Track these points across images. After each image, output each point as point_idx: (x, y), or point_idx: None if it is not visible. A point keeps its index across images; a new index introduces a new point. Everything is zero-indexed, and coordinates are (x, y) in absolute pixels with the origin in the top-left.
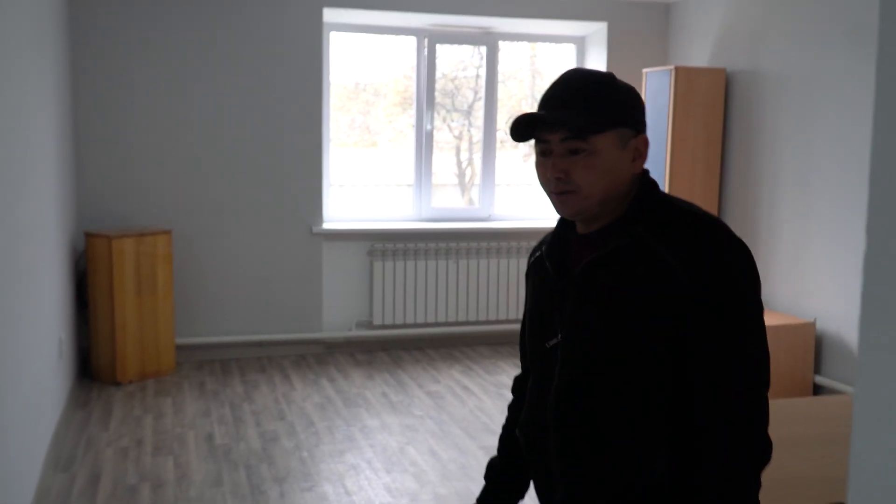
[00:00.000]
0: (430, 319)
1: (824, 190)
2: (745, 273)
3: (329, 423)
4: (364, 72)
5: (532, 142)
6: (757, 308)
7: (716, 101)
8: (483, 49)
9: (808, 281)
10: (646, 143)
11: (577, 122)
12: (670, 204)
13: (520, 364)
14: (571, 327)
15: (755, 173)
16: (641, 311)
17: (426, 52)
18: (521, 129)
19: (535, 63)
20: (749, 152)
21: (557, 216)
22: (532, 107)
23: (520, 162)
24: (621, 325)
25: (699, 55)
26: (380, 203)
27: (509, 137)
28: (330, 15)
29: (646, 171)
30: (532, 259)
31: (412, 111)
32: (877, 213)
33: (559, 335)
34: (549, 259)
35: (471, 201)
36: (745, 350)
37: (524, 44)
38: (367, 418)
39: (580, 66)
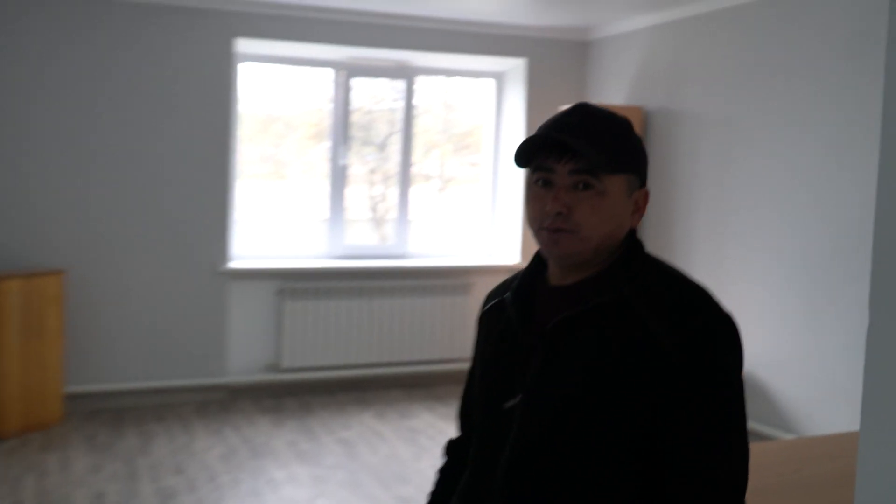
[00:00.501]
0: (342, 361)
1: (741, 233)
2: (733, 351)
3: (233, 475)
4: (276, 103)
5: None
6: (740, 392)
7: None
8: (401, 83)
9: None
10: (646, 197)
11: (598, 156)
12: (658, 266)
13: (458, 424)
14: (535, 388)
15: (671, 215)
16: (618, 378)
17: (342, 85)
18: (529, 151)
19: (447, 97)
20: (665, 193)
21: (520, 262)
22: (450, 141)
23: (433, 197)
24: (594, 391)
25: (616, 93)
26: (291, 239)
27: (424, 171)
28: (242, 45)
29: (634, 230)
30: (488, 306)
31: (326, 144)
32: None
33: (519, 396)
34: (515, 308)
35: (384, 238)
36: (727, 449)
37: (442, 77)
38: (275, 469)
39: (500, 101)
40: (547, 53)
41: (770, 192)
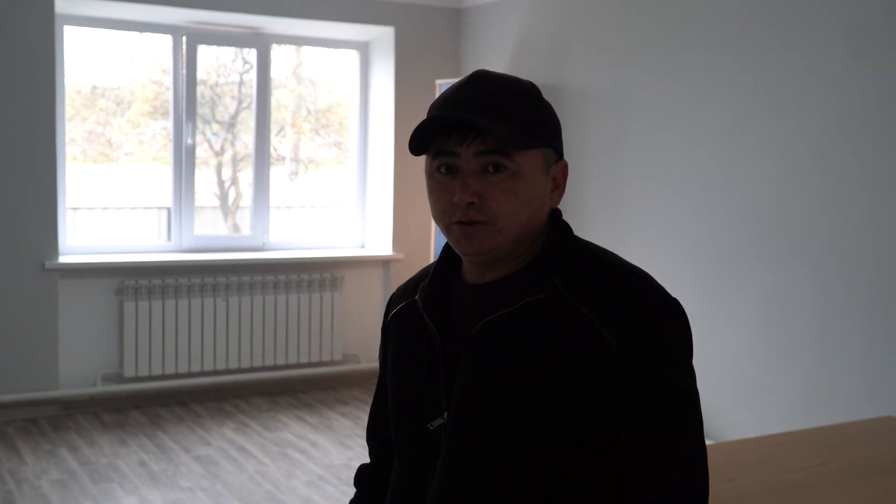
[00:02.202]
0: (195, 368)
1: (636, 215)
2: (681, 336)
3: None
4: (104, 75)
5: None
6: (692, 379)
7: None
8: (252, 52)
9: None
10: (566, 171)
11: (507, 132)
12: (589, 251)
13: (369, 449)
14: (463, 403)
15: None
16: (560, 382)
17: (184, 54)
18: (426, 136)
19: (304, 70)
20: None
21: (431, 258)
22: (305, 118)
23: (287, 182)
24: (532, 400)
25: (495, 67)
26: (130, 231)
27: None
28: (63, 6)
29: (558, 211)
30: (395, 311)
31: (165, 122)
32: None
33: (445, 414)
34: (430, 314)
35: (236, 227)
36: (685, 442)
37: (299, 48)
38: (123, 496)
39: (364, 74)
40: (416, 21)
41: (668, 171)
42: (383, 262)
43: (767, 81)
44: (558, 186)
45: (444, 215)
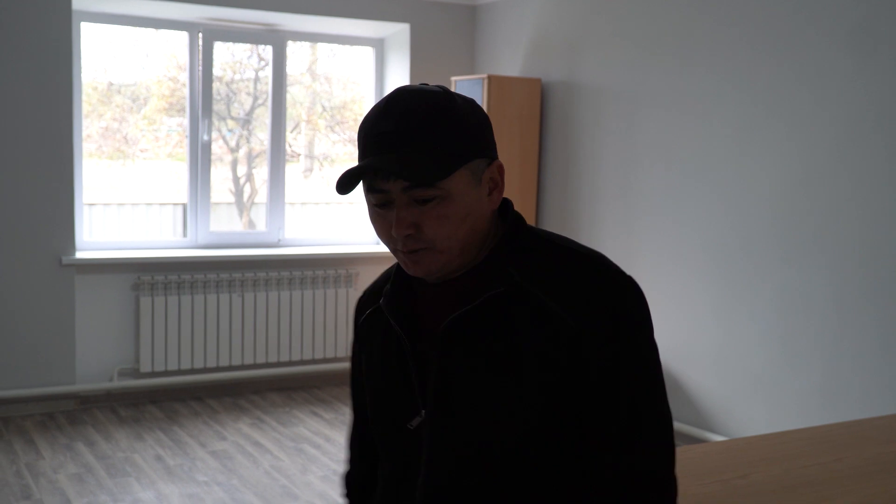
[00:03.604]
0: (211, 364)
1: (648, 205)
2: (642, 316)
3: (90, 498)
4: (120, 71)
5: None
6: (656, 351)
7: (531, 112)
8: (268, 49)
9: None
10: (501, 169)
11: (423, 171)
12: (543, 240)
13: (350, 455)
14: (438, 401)
15: (575, 188)
16: (528, 370)
17: (200, 51)
18: (347, 181)
19: (319, 66)
20: (568, 166)
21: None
22: (321, 115)
23: (302, 179)
24: (504, 391)
25: (510, 64)
26: (146, 228)
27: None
28: (81, 3)
29: (507, 202)
30: (364, 316)
31: (181, 118)
32: None
33: (423, 412)
34: (394, 316)
35: (251, 223)
36: (654, 415)
37: (314, 44)
38: (139, 490)
39: (381, 71)
40: (432, 18)
41: (683, 166)
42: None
43: (786, 75)
44: (497, 186)
45: (389, 243)
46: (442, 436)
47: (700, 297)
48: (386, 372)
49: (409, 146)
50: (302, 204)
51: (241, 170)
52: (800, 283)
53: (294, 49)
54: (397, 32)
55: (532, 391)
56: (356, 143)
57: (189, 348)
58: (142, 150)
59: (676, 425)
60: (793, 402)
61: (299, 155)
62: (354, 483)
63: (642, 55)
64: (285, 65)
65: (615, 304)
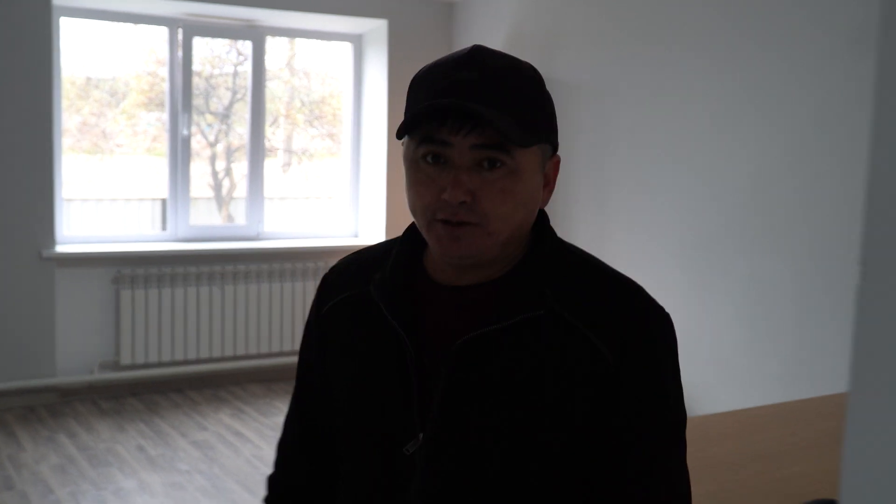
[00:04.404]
0: (191, 356)
1: (625, 207)
2: (675, 353)
3: (73, 488)
4: (98, 65)
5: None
6: (682, 393)
7: None
8: (247, 44)
9: None
10: (558, 167)
11: (512, 128)
12: (578, 257)
13: (283, 457)
14: (442, 427)
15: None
16: (552, 408)
17: (180, 46)
18: (412, 122)
19: (297, 62)
20: None
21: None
22: (299, 110)
23: (279, 173)
24: (520, 427)
25: None
26: (126, 221)
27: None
28: None
29: (543, 211)
30: (334, 302)
31: (160, 113)
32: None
33: (420, 435)
34: (396, 317)
35: (229, 217)
36: (676, 464)
37: (292, 40)
38: (122, 479)
39: (359, 66)
40: (410, 14)
41: (655, 165)
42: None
43: (749, 79)
44: (549, 184)
45: (428, 211)
46: (441, 465)
47: (672, 284)
48: (375, 381)
49: (496, 100)
50: (281, 198)
51: (220, 164)
52: (761, 276)
53: (273, 44)
54: (375, 28)
55: (554, 429)
56: (335, 137)
57: (169, 341)
58: (118, 146)
59: None
60: (756, 383)
61: (278, 150)
62: (281, 485)
63: (617, 49)
64: (264, 60)
65: (654, 342)
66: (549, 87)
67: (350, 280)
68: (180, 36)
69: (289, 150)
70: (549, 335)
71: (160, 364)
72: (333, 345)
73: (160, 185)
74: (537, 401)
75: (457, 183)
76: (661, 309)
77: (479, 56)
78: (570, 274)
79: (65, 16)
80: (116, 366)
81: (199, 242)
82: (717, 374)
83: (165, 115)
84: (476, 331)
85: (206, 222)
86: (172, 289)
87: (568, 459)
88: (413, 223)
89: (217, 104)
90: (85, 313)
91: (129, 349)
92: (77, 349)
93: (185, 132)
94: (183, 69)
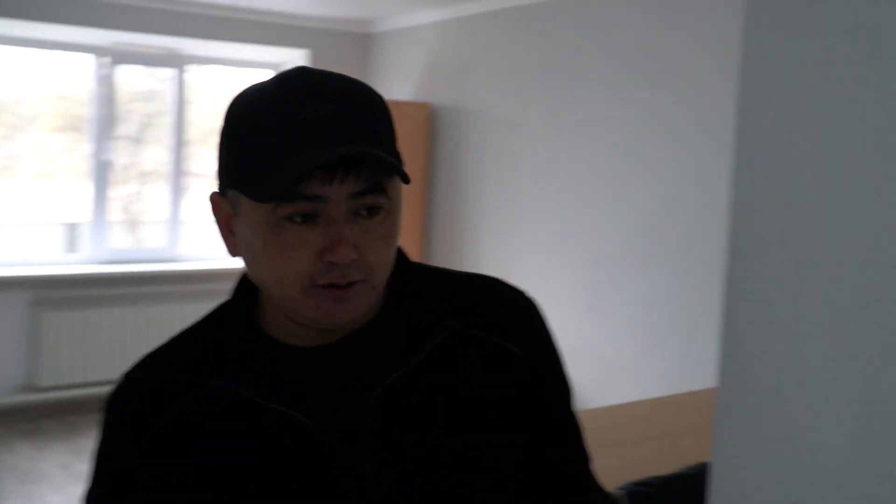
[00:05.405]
0: (111, 376)
1: (529, 221)
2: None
3: (3, 502)
4: (10, 89)
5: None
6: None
7: (419, 136)
8: (169, 71)
9: None
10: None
11: (399, 164)
12: (436, 271)
13: None
14: (392, 494)
15: (461, 211)
16: (497, 428)
17: (102, 73)
18: (296, 179)
19: (218, 89)
20: (455, 190)
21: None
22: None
23: (196, 196)
24: (479, 453)
25: (402, 88)
26: (45, 244)
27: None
28: None
29: None
30: (160, 424)
31: (73, 137)
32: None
33: None
34: (277, 401)
35: (144, 241)
36: (579, 424)
37: (214, 67)
38: (50, 493)
39: None
40: (330, 45)
41: (557, 190)
42: None
43: (644, 113)
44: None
45: (303, 278)
46: None
47: (575, 299)
48: (278, 491)
49: (368, 135)
50: (197, 221)
51: (136, 188)
52: (657, 285)
53: (195, 72)
54: (295, 58)
55: (508, 448)
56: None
57: (89, 362)
58: (28, 170)
59: None
60: (652, 381)
61: (196, 174)
62: None
63: (526, 80)
64: (185, 87)
65: (543, 323)
66: (462, 115)
67: (171, 388)
68: (103, 64)
69: (206, 175)
70: (460, 353)
71: (79, 385)
72: (175, 479)
73: (75, 208)
74: (479, 423)
75: (342, 240)
76: (523, 289)
77: (324, 83)
78: (444, 289)
79: None
80: (35, 388)
81: (116, 265)
82: (618, 374)
83: (85, 140)
84: (389, 378)
85: (123, 245)
86: (91, 311)
87: (518, 465)
88: (238, 291)
89: (135, 129)
90: (2, 336)
91: (49, 371)
92: None
93: (103, 157)
94: (103, 95)
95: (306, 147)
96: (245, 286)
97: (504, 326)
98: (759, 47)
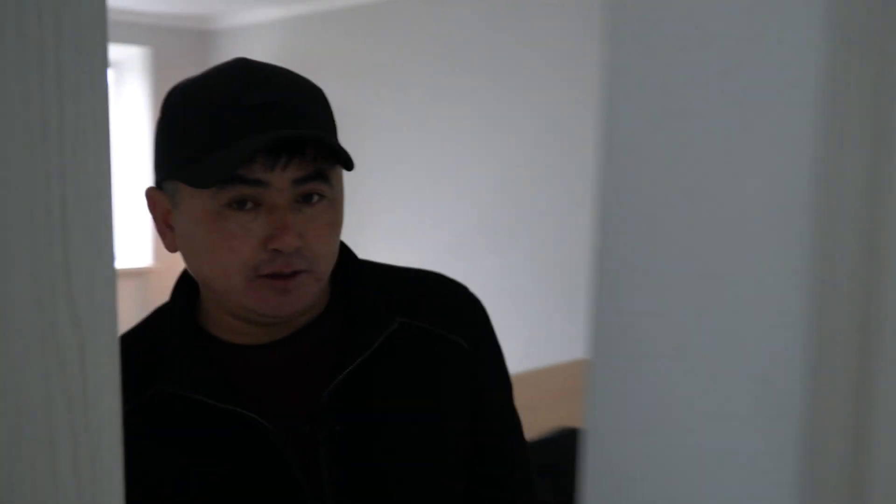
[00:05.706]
0: None
1: (380, 212)
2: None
3: None
4: None
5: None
6: None
7: None
8: None
9: None
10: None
11: (343, 150)
12: (379, 266)
13: None
14: (351, 489)
15: None
16: (448, 420)
17: None
18: (234, 162)
19: None
20: None
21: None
22: None
23: None
24: (434, 445)
25: None
26: None
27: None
28: None
29: None
30: (138, 416)
31: None
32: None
33: None
34: (226, 402)
35: None
36: (518, 420)
37: None
38: None
39: (118, 93)
40: (170, 42)
41: (406, 181)
42: (138, 273)
43: (493, 106)
44: None
45: (247, 268)
46: None
47: None
48: (235, 494)
49: (312, 121)
50: None
51: None
52: (509, 265)
53: None
54: (135, 56)
55: (455, 437)
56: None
57: None
58: None
59: None
60: (508, 357)
61: None
62: None
63: (379, 76)
64: None
65: (486, 317)
66: None
67: (137, 385)
68: None
69: None
70: (410, 346)
71: None
72: (127, 489)
73: None
74: (429, 414)
75: (286, 227)
76: (466, 286)
77: (266, 71)
78: (390, 283)
79: None
80: None
81: None
82: None
83: None
84: (341, 373)
85: None
86: None
87: (465, 453)
88: (176, 292)
89: None
90: None
91: None
92: None
93: None
94: None
95: (248, 132)
96: (183, 287)
97: (450, 320)
98: (620, 43)
